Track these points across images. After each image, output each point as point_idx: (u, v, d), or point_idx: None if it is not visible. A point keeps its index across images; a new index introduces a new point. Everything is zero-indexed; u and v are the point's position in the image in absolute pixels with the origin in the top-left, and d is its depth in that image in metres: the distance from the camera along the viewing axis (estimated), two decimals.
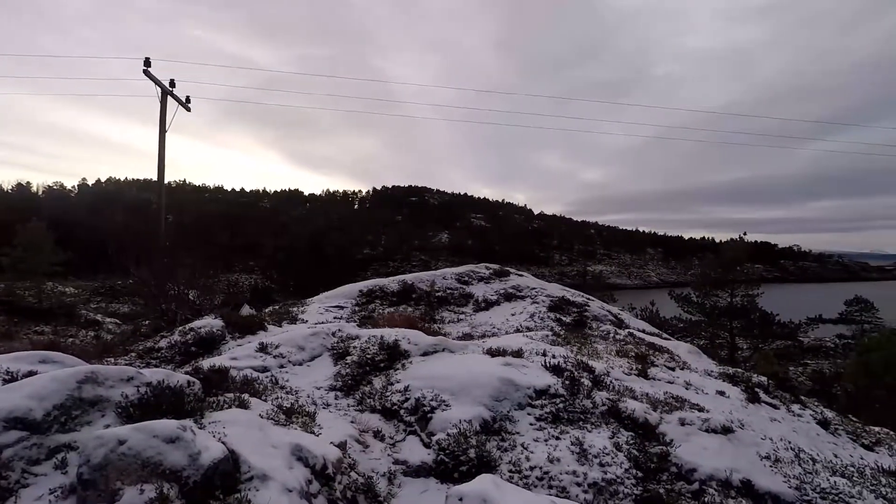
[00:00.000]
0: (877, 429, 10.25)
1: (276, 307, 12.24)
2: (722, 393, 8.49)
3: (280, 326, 9.72)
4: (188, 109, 19.64)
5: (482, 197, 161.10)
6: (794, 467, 6.32)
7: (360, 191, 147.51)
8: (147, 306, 13.35)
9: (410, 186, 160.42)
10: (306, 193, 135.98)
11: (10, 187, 77.71)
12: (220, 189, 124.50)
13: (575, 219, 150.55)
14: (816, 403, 10.89)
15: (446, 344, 7.19)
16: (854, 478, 6.51)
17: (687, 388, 8.19)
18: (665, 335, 13.35)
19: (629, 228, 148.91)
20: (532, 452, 5.09)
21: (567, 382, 6.14)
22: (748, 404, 8.55)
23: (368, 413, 5.80)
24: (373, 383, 6.35)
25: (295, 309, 11.56)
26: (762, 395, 9.34)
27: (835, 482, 6.16)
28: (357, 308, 11.50)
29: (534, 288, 13.01)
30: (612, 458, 5.05)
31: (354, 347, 7.06)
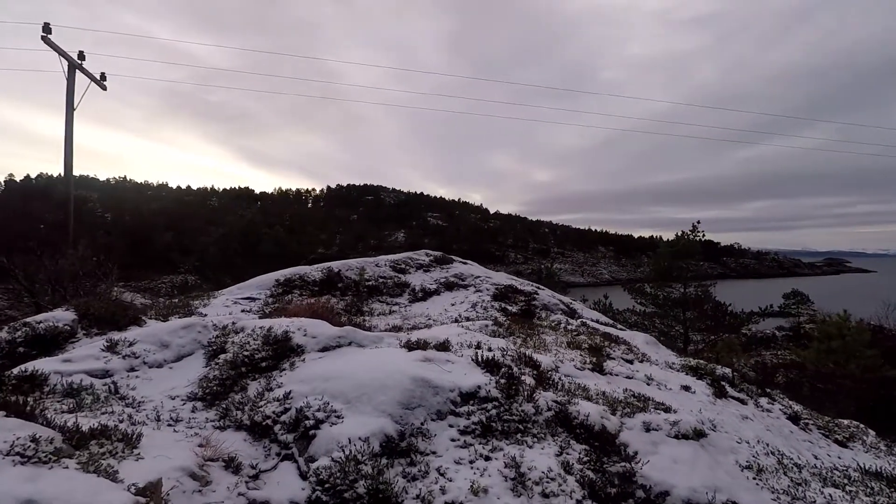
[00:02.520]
0: (846, 422, 9.43)
1: (175, 300, 10.31)
2: (687, 388, 7.35)
3: (166, 321, 7.88)
4: (103, 87, 17.18)
5: (438, 196, 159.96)
6: (779, 478, 5.15)
7: (313, 189, 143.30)
8: (20, 302, 11.13)
9: (366, 185, 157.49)
10: (257, 192, 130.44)
11: None
12: (163, 186, 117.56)
13: (530, 218, 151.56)
14: (782, 396, 10.02)
15: (354, 336, 5.64)
16: (846, 487, 5.42)
17: (649, 384, 6.99)
18: (620, 326, 12.27)
19: (582, 227, 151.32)
20: (450, 481, 3.64)
21: (503, 381, 4.73)
22: (716, 400, 7.45)
23: (232, 430, 4.19)
24: (247, 389, 4.73)
25: (196, 302, 9.69)
26: (728, 389, 8.30)
27: (829, 495, 5.02)
28: (271, 300, 9.75)
29: (478, 276, 11.63)
30: (561, 485, 3.66)
31: (233, 343, 5.40)
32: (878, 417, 10.10)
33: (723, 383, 8.39)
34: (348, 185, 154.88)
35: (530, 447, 4.12)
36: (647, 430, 5.03)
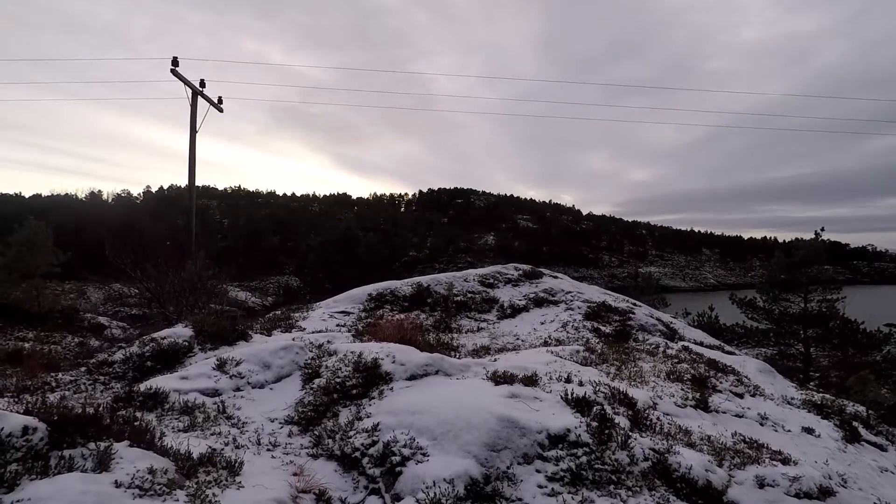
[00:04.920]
0: None
1: (277, 312, 11.06)
2: (810, 431, 6.51)
3: (269, 335, 8.47)
4: (220, 110, 19.18)
5: (528, 198, 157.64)
6: None
7: (406, 193, 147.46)
8: (150, 309, 12.56)
9: (455, 188, 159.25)
10: (354, 197, 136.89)
11: (83, 195, 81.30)
12: (271, 194, 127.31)
13: (625, 219, 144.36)
14: None
15: (441, 364, 5.65)
16: None
17: (762, 424, 6.29)
18: (727, 348, 11.26)
19: (683, 228, 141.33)
20: None
21: (595, 424, 4.47)
22: (846, 446, 6.53)
23: (324, 459, 4.35)
24: (338, 416, 4.90)
25: (297, 314, 10.32)
26: (862, 432, 7.26)
27: None
28: (364, 314, 10.12)
29: (569, 292, 11.23)
30: None
31: (326, 368, 5.64)
32: None
33: (855, 424, 7.36)
34: (439, 188, 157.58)
35: (624, 501, 3.85)
36: (761, 486, 4.50)
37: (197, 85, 17.73)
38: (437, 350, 7.15)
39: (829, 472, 5.32)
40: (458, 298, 10.82)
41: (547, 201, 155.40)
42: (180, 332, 7.18)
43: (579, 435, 4.34)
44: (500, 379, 5.19)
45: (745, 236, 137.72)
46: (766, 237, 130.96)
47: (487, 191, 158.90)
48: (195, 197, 18.78)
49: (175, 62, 16.79)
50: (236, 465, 3.83)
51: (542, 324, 9.69)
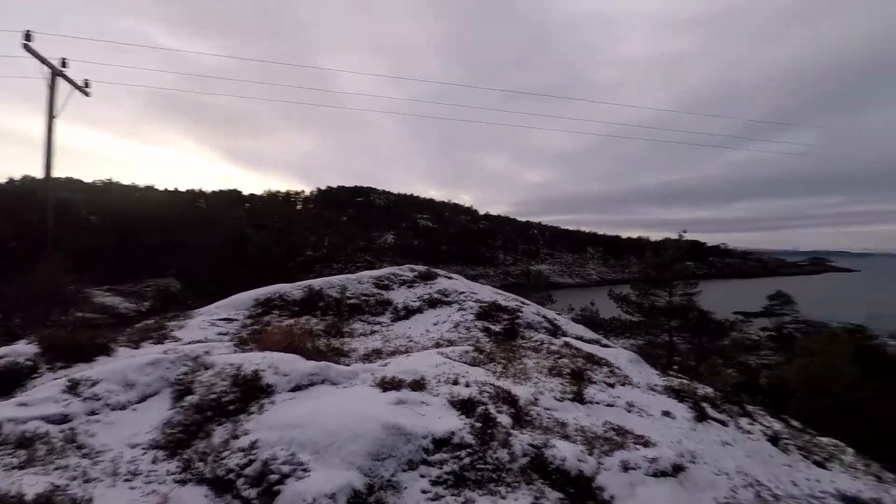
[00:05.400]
0: (825, 440, 9.45)
1: (150, 321, 10.08)
2: (668, 413, 7.29)
3: (137, 348, 7.67)
4: (86, 94, 16.95)
5: (428, 198, 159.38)
6: None
7: (302, 191, 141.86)
8: None
9: (356, 187, 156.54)
10: (247, 193, 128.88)
11: None
12: (151, 189, 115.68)
13: (519, 219, 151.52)
14: (763, 413, 10.04)
15: (328, 373, 5.50)
16: None
17: (629, 412, 6.92)
18: (604, 341, 12.23)
19: (571, 228, 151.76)
20: None
21: (479, 425, 4.62)
22: (697, 425, 7.40)
23: (193, 485, 4.03)
24: (212, 436, 4.56)
25: (173, 323, 9.47)
26: (710, 411, 8.27)
27: None
28: (249, 320, 9.56)
29: (462, 292, 11.52)
30: None
31: (200, 383, 5.23)
32: (858, 435, 10.14)
33: (704, 405, 8.37)
34: (339, 186, 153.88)
35: (503, 497, 4.02)
36: (625, 469, 4.96)
37: (57, 64, 15.63)
38: (328, 356, 6.96)
39: (682, 450, 5.98)
40: (352, 301, 10.63)
41: (446, 201, 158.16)
42: (21, 349, 6.25)
43: (463, 437, 4.46)
44: (388, 385, 5.18)
45: (624, 236, 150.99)
46: (640, 237, 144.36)
47: (388, 190, 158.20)
48: (50, 188, 16.48)
49: (28, 37, 14.64)
50: (83, 503, 3.42)
51: (435, 325, 9.84)
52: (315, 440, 4.21)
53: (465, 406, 4.91)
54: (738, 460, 6.67)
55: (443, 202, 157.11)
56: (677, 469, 5.32)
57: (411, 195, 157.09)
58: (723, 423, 8.08)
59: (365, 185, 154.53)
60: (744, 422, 8.69)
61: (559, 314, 14.56)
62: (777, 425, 9.46)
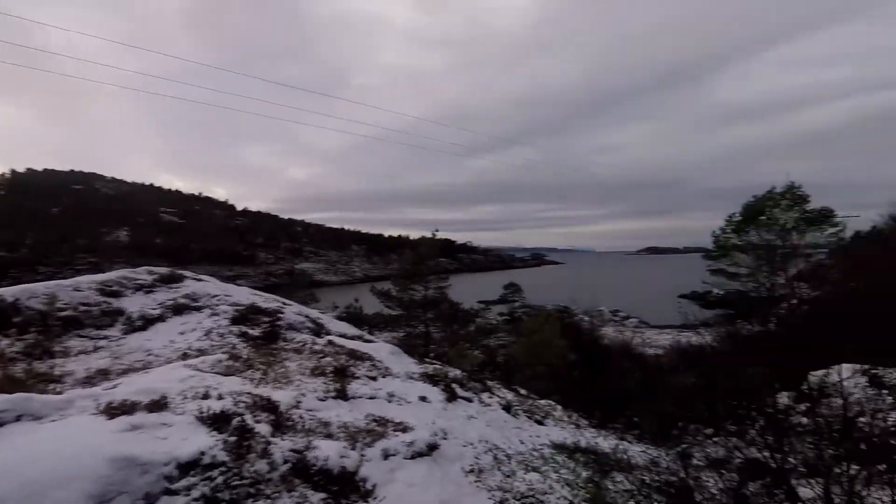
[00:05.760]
0: (543, 402, 11.63)
1: None
2: (424, 398, 7.93)
3: None
4: None
5: (174, 189, 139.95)
6: (494, 475, 5.96)
7: None
8: None
9: (73, 171, 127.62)
10: None
11: None
12: None
13: (282, 216, 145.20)
14: (499, 386, 11.77)
15: (28, 406, 4.31)
16: (542, 469, 6.59)
17: (390, 401, 7.29)
18: (367, 336, 12.64)
19: (336, 226, 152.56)
20: None
21: (234, 439, 4.24)
22: (448, 405, 8.24)
23: None
24: None
25: None
26: (459, 391, 9.31)
27: (530, 480, 6.03)
28: None
29: (215, 295, 10.41)
30: None
31: None
32: (567, 394, 12.81)
33: (454, 386, 9.39)
34: (46, 169, 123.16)
35: None
36: (386, 457, 5.20)
37: None
38: (27, 386, 5.50)
39: (435, 430, 6.57)
40: (66, 314, 8.57)
41: (197, 194, 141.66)
42: None
43: (215, 455, 4.03)
44: (116, 410, 4.33)
45: (387, 234, 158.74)
46: (401, 235, 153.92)
47: (121, 178, 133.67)
48: None
49: None
50: None
51: (182, 334, 8.67)
52: (7, 497, 3.26)
53: (217, 421, 4.45)
54: (480, 430, 7.68)
55: (193, 195, 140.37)
56: (432, 448, 5.82)
57: (152, 185, 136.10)
58: (468, 400, 9.19)
59: (87, 171, 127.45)
60: (485, 396, 10.05)
61: (323, 313, 14.46)
62: (510, 395, 11.23)
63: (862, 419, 3.82)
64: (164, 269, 11.26)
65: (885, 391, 7.44)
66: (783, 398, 10.30)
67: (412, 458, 5.39)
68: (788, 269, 20.51)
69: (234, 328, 8.99)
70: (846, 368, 8.88)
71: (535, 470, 6.49)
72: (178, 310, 9.70)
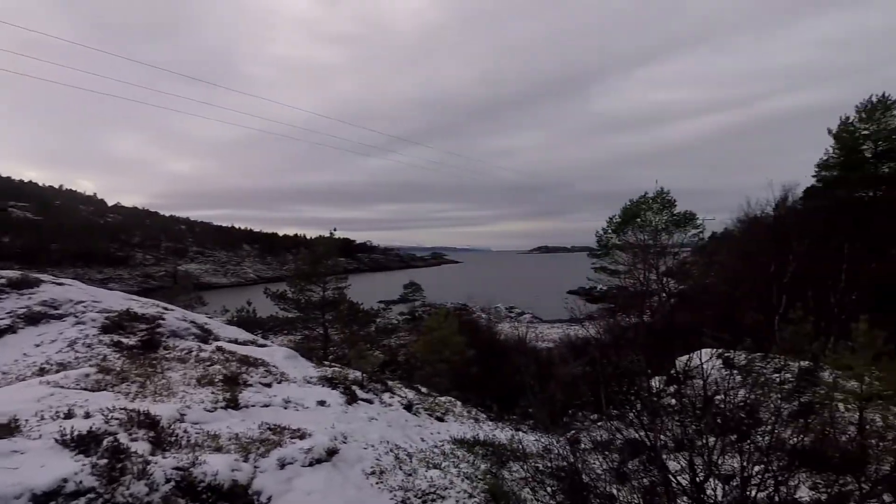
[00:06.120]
0: (443, 399, 11.82)
1: None
2: (323, 402, 7.70)
3: None
4: None
5: (27, 180, 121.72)
6: (396, 475, 5.94)
7: None
8: None
9: None
10: None
11: None
12: None
13: (162, 213, 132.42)
14: (401, 386, 11.77)
15: None
16: (442, 465, 6.70)
17: (286, 408, 6.98)
18: (261, 341, 12.00)
19: (225, 225, 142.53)
20: None
21: (104, 461, 3.80)
22: (348, 408, 8.08)
23: None
24: None
25: None
26: (359, 392, 9.16)
27: (431, 477, 6.09)
28: None
29: (81, 301, 9.24)
30: None
31: None
32: (466, 390, 13.12)
33: (354, 388, 9.22)
34: None
35: None
36: (282, 466, 4.97)
37: None
38: None
39: (335, 434, 6.41)
40: None
41: (57, 187, 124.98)
42: None
43: (81, 481, 3.57)
44: None
45: (281, 233, 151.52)
46: (297, 234, 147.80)
47: None
48: None
49: None
50: None
51: (39, 346, 7.58)
52: None
53: (83, 442, 3.95)
54: (381, 431, 7.62)
55: (52, 187, 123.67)
56: (331, 453, 5.67)
57: None
58: (369, 402, 9.08)
59: None
60: (386, 396, 9.99)
61: (212, 318, 13.48)
62: (411, 394, 11.27)
63: (718, 397, 4.36)
64: (14, 273, 9.78)
65: (734, 371, 8.57)
66: (656, 382, 11.48)
67: (311, 465, 5.21)
68: (659, 265, 22.82)
69: (105, 337, 8.07)
70: (705, 353, 10.13)
71: (436, 466, 6.58)
72: (33, 319, 8.49)
